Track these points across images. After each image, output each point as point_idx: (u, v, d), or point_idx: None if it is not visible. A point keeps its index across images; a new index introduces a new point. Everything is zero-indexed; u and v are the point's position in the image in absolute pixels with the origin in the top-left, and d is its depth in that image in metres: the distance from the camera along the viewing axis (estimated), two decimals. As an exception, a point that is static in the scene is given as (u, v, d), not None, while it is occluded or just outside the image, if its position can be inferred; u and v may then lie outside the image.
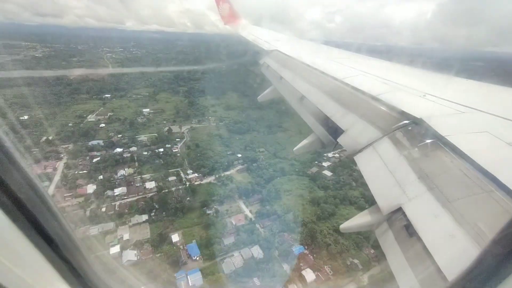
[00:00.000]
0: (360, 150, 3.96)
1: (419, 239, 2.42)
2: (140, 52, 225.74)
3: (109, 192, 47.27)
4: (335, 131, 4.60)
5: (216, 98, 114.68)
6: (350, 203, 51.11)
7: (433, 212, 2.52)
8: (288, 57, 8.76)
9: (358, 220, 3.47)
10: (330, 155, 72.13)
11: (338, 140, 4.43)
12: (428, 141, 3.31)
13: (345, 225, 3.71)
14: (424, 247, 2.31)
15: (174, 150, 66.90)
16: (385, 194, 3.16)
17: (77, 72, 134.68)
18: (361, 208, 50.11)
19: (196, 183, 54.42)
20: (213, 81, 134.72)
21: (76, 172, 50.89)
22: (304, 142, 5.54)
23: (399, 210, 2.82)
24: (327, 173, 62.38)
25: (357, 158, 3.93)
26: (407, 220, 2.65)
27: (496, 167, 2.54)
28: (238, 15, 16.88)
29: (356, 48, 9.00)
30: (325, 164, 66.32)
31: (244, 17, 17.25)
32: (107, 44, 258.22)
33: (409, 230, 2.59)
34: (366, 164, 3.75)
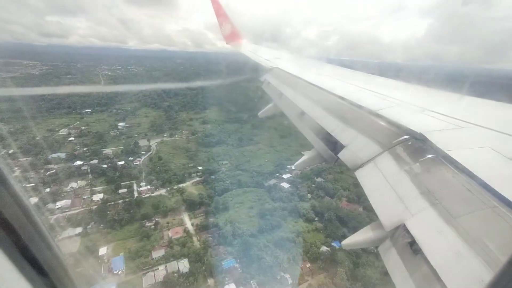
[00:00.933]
0: (361, 165, 3.93)
1: (424, 257, 2.34)
2: (137, 69, 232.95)
3: (50, 205, 47.10)
4: (335, 146, 4.62)
5: (196, 113, 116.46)
6: (299, 216, 50.05)
7: (437, 229, 2.47)
8: (289, 74, 9.00)
9: (360, 237, 3.38)
10: (293, 167, 71.49)
11: (338, 155, 4.43)
12: (429, 156, 3.30)
13: (346, 242, 3.58)
14: (430, 266, 2.23)
15: (135, 163, 67.16)
16: (387, 210, 3.09)
17: (65, 89, 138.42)
18: (309, 221, 48.94)
19: (146, 195, 54.02)
20: (200, 96, 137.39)
21: (23, 185, 51.03)
22: (305, 157, 5.53)
23: (402, 226, 2.75)
24: (285, 185, 61.87)
25: (358, 174, 3.89)
26: (411, 236, 2.58)
27: (499, 182, 2.55)
28: (240, 34, 17.55)
29: (353, 65, 9.33)
30: (285, 176, 65.71)
31: (245, 36, 17.88)
32: (108, 62, 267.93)
33: (414, 247, 2.52)
34: (367, 180, 3.70)
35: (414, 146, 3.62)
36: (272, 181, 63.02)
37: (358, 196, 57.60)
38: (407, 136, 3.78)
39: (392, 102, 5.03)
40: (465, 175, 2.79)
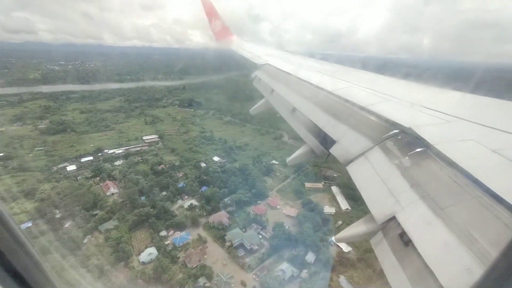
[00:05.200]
0: (352, 160, 3.98)
1: (414, 248, 2.41)
2: (94, 66, 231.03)
3: None
4: (327, 141, 4.67)
5: (91, 103, 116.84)
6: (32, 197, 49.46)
7: (426, 220, 2.54)
8: (280, 70, 9.02)
9: (353, 230, 3.44)
10: (110, 151, 70.98)
11: (330, 150, 4.48)
12: (418, 149, 3.37)
13: (339, 236, 3.66)
14: (420, 257, 2.31)
15: None
16: (378, 203, 3.16)
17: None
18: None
19: None
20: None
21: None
22: (297, 152, 5.58)
23: (393, 219, 2.82)
24: (71, 168, 63.12)
25: (349, 168, 3.93)
26: (401, 229, 2.65)
27: (482, 173, 2.65)
28: (230, 31, 17.52)
29: (337, 59, 9.87)
30: (84, 159, 66.31)
31: (235, 33, 17.96)
32: (71, 58, 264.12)
33: (404, 238, 2.58)
34: (359, 174, 3.77)
35: (403, 140, 3.68)
36: (64, 164, 63.04)
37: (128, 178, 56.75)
38: (396, 131, 3.84)
39: (381, 97, 5.06)
40: (451, 167, 2.88)
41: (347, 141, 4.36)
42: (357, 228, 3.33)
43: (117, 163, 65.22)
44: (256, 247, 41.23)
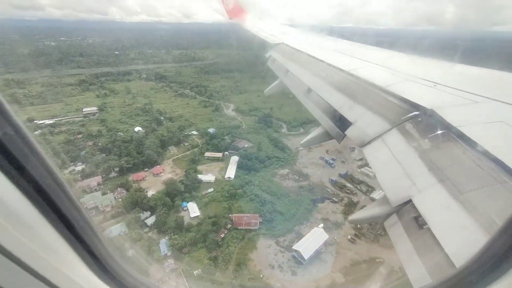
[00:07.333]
0: (369, 142, 3.90)
1: (429, 230, 2.38)
2: (92, 42, 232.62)
3: None
4: (342, 123, 4.57)
5: (58, 77, 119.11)
6: None
7: (444, 204, 2.48)
8: (295, 50, 8.72)
9: (367, 212, 3.46)
10: (40, 122, 72.72)
11: (346, 132, 4.39)
12: (439, 132, 3.24)
13: (353, 217, 3.70)
14: (434, 238, 2.28)
15: None
16: (394, 186, 3.13)
17: None
18: None
19: None
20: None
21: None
22: (312, 135, 5.48)
23: (409, 202, 2.78)
24: None
25: (365, 150, 3.87)
26: (417, 212, 2.62)
27: (510, 157, 2.47)
28: (244, 9, 17.25)
29: (353, 33, 8.52)
30: None
31: (249, 11, 17.84)
32: (75, 35, 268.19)
33: (419, 221, 2.57)
34: (375, 156, 3.70)
35: (424, 123, 3.55)
36: None
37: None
38: (417, 112, 3.68)
39: (401, 76, 4.85)
40: (476, 151, 2.75)
41: (363, 123, 4.18)
42: (371, 210, 3.29)
43: (36, 132, 67.55)
44: (108, 209, 42.29)
